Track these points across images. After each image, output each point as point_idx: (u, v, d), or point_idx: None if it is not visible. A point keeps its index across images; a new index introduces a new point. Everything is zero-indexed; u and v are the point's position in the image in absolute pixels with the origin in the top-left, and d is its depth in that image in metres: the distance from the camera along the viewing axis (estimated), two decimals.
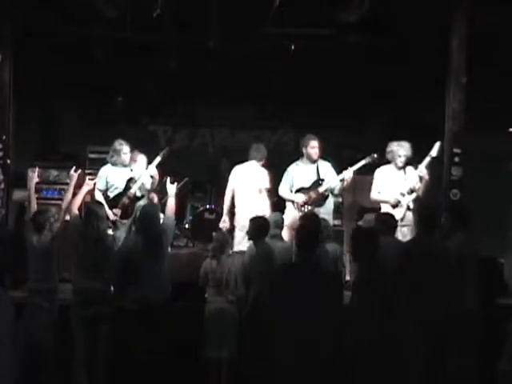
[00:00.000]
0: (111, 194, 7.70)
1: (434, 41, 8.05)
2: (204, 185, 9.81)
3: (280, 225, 6.88)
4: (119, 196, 7.67)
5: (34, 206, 6.46)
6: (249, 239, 6.73)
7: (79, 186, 6.86)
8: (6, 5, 7.51)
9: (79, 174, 6.80)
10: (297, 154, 7.94)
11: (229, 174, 8.15)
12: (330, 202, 7.76)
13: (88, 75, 9.67)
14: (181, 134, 11.13)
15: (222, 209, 8.23)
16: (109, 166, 7.80)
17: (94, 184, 7.29)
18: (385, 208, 7.39)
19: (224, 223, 8.00)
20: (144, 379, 6.01)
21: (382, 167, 7.61)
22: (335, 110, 10.48)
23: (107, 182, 7.72)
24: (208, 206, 9.44)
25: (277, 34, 8.34)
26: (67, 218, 6.49)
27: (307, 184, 7.68)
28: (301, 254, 5.01)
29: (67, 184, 6.95)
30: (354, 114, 10.54)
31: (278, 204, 8.05)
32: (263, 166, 8.00)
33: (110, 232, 7.25)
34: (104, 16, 7.46)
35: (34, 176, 6.71)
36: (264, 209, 7.70)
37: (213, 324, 6.40)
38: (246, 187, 7.88)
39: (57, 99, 10.55)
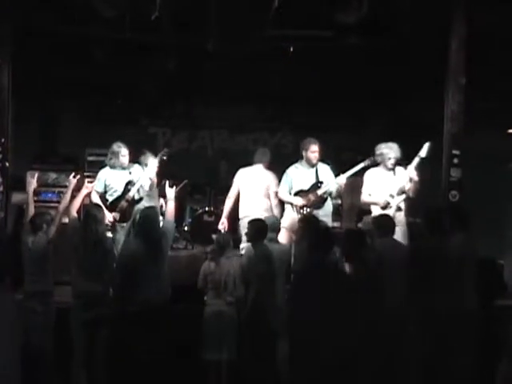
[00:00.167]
0: (110, 198, 7.70)
1: (433, 41, 8.03)
2: (203, 187, 9.81)
3: (276, 228, 6.87)
4: (118, 199, 7.67)
5: (32, 211, 6.48)
6: (247, 241, 6.75)
7: (78, 188, 6.87)
8: (5, 5, 7.50)
9: (78, 177, 6.81)
10: (296, 157, 7.93)
11: (228, 176, 8.16)
12: (329, 205, 7.76)
13: (87, 75, 9.66)
14: (180, 137, 11.12)
15: (221, 211, 8.23)
16: (107, 168, 7.79)
17: (93, 187, 7.30)
18: (375, 210, 7.42)
19: (222, 225, 8.00)
20: (144, 381, 6.02)
21: (371, 169, 7.63)
22: (334, 111, 10.49)
23: (106, 185, 7.72)
24: (207, 209, 9.43)
25: (276, 36, 8.32)
26: (66, 220, 6.50)
27: (306, 187, 7.68)
28: (316, 257, 5.05)
29: (66, 187, 6.95)
30: (353, 114, 10.54)
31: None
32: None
33: (109, 234, 7.25)
34: (103, 16, 7.45)
35: (32, 181, 6.73)
36: (269, 211, 7.75)
37: (212, 326, 6.40)
38: (253, 190, 7.93)
39: (56, 99, 10.54)
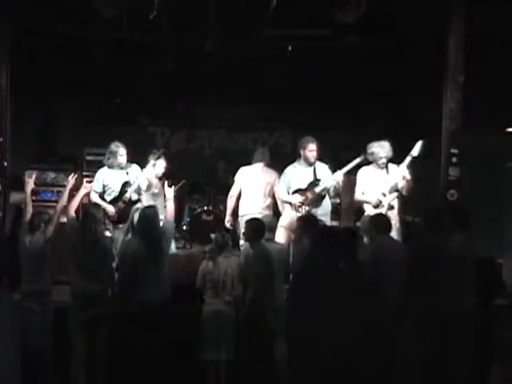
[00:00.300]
0: (108, 198, 7.72)
1: (431, 40, 8.03)
2: (202, 187, 9.80)
3: (273, 228, 6.87)
4: (115, 200, 7.68)
5: (30, 210, 6.48)
6: (245, 241, 6.75)
7: (77, 188, 6.88)
8: (5, 4, 7.50)
9: (76, 177, 6.82)
10: (294, 156, 7.94)
11: (227, 175, 8.19)
12: (328, 203, 7.77)
13: (85, 75, 9.65)
14: (179, 136, 11.11)
15: (220, 210, 8.25)
16: (105, 168, 7.81)
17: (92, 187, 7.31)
18: (367, 208, 7.45)
19: (228, 223, 8.13)
20: (143, 381, 6.02)
21: (364, 167, 7.64)
22: (333, 111, 10.47)
23: (104, 185, 7.73)
24: (206, 208, 9.43)
25: (274, 35, 8.31)
26: (64, 220, 6.51)
27: (304, 185, 7.68)
28: (316, 256, 5.07)
29: (64, 186, 6.96)
30: (352, 114, 10.53)
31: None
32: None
33: (108, 234, 7.26)
34: (102, 16, 7.45)
35: (30, 181, 6.73)
36: (271, 209, 7.85)
37: (210, 326, 6.41)
38: (254, 188, 8.01)
39: (54, 99, 10.53)
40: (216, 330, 6.38)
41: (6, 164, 7.61)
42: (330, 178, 7.64)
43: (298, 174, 7.74)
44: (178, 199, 8.03)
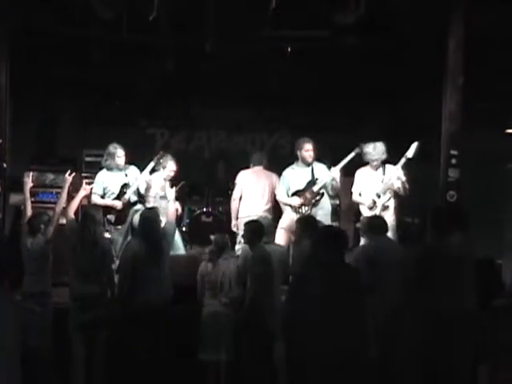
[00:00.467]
0: (107, 200, 7.72)
1: (431, 41, 8.03)
2: (201, 188, 9.80)
3: (271, 231, 6.87)
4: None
5: (29, 211, 6.48)
6: (245, 243, 6.73)
7: (76, 189, 6.87)
8: (4, 4, 7.50)
9: (75, 178, 6.80)
10: (293, 157, 7.95)
11: (226, 176, 8.18)
12: (328, 204, 7.77)
13: (85, 76, 9.65)
14: (178, 137, 11.10)
15: (219, 212, 8.23)
16: (104, 171, 7.82)
17: (91, 189, 7.30)
18: (362, 209, 7.49)
19: (235, 227, 8.08)
20: (144, 382, 6.02)
21: (361, 168, 7.66)
22: (333, 112, 10.46)
23: (104, 188, 7.74)
24: (205, 209, 9.43)
25: (273, 36, 8.32)
26: (63, 221, 6.50)
27: (302, 186, 7.70)
28: (317, 257, 5.08)
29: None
30: (351, 115, 10.51)
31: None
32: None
33: (107, 235, 7.25)
34: (101, 17, 7.45)
35: (28, 181, 6.72)
36: (271, 212, 7.86)
37: (209, 327, 6.39)
38: (255, 191, 8.01)
39: (54, 100, 10.53)
40: (214, 331, 6.36)
41: (5, 165, 7.61)
42: (327, 175, 7.64)
43: (296, 176, 7.75)
44: (178, 200, 8.00)
